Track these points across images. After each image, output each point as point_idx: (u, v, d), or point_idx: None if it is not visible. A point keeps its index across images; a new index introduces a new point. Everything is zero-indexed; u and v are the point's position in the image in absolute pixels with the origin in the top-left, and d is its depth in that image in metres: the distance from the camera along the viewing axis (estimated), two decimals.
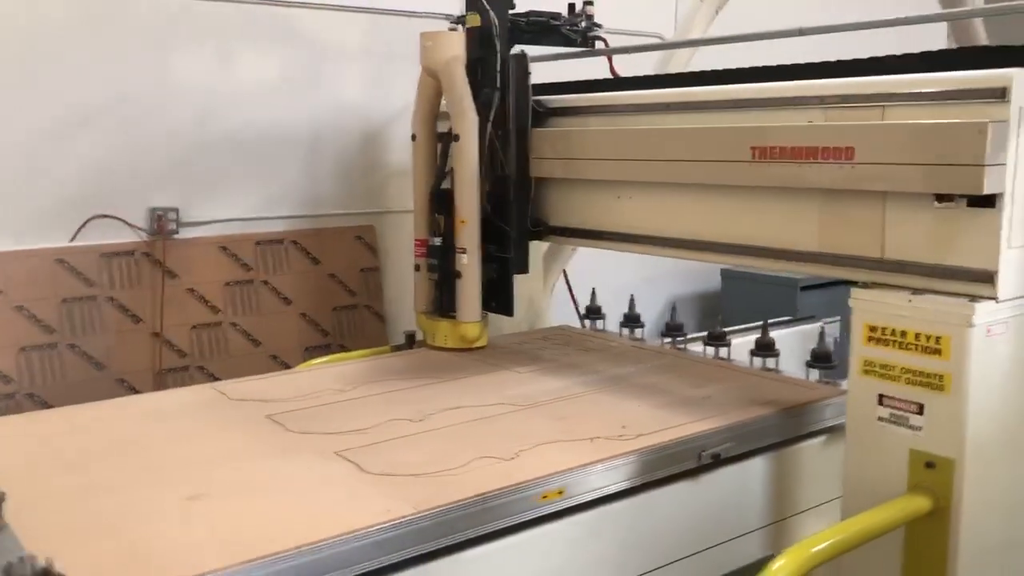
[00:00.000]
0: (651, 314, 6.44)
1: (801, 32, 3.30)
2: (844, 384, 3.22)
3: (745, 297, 6.21)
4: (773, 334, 3.92)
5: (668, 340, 3.85)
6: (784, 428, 2.96)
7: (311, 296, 4.73)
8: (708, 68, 3.30)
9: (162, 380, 4.23)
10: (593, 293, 4.29)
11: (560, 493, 2.36)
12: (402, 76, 5.00)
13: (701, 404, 3.01)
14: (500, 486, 2.27)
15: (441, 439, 2.67)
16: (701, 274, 6.64)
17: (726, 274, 6.49)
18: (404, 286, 5.08)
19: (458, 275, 3.65)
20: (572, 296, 5.38)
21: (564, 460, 2.45)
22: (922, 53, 2.64)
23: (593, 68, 4.34)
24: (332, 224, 4.84)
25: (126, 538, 2.04)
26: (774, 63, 3.11)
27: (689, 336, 3.89)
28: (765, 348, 3.50)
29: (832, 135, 2.63)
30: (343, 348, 4.80)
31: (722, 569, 2.83)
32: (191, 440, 2.70)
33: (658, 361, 3.59)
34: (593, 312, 4.22)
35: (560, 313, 4.76)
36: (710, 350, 3.67)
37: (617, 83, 3.76)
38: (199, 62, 4.38)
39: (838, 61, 2.83)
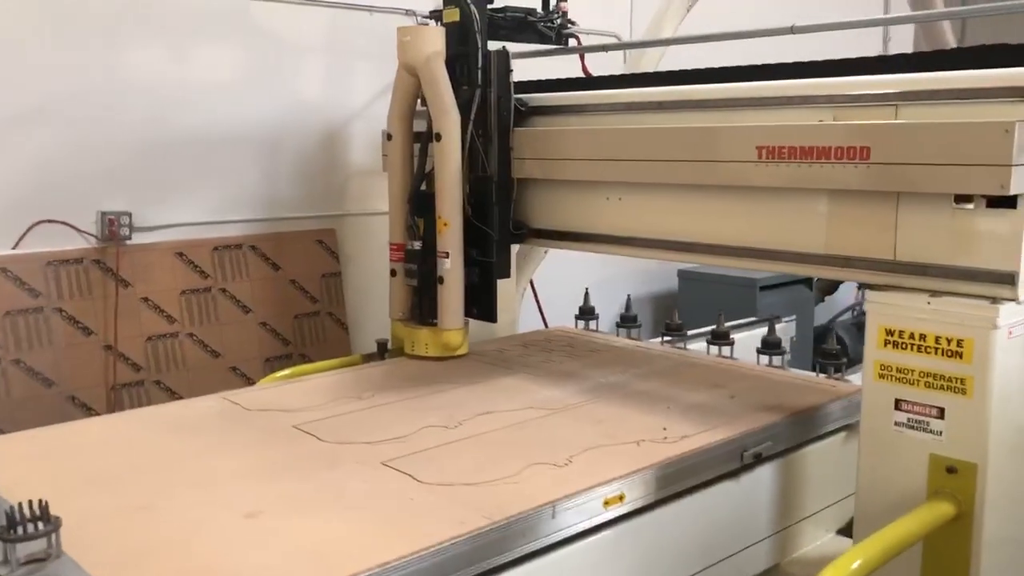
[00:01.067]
0: (609, 314, 6.40)
1: (793, 30, 3.25)
2: (851, 379, 3.29)
3: (703, 297, 6.20)
4: (741, 335, 3.99)
5: (668, 339, 3.82)
6: (811, 426, 2.98)
7: (271, 304, 4.51)
8: (677, 68, 3.24)
9: (117, 396, 3.95)
10: (587, 294, 4.23)
11: (621, 498, 2.32)
12: (362, 73, 4.85)
13: (730, 405, 2.99)
14: (564, 493, 2.22)
15: (484, 446, 2.61)
16: (658, 275, 6.62)
17: (683, 274, 6.47)
18: (367, 292, 4.91)
19: (440, 280, 3.49)
20: (537, 300, 5.28)
21: (617, 464, 2.42)
22: (932, 52, 2.60)
23: (560, 67, 4.25)
24: (292, 228, 4.63)
25: (195, 562, 1.92)
26: (732, 63, 3.07)
27: (690, 334, 3.89)
28: (772, 346, 3.52)
29: (847, 134, 2.57)
30: (304, 358, 4.59)
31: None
32: (226, 453, 2.55)
33: (668, 362, 3.56)
34: (587, 313, 4.17)
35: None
36: (713, 349, 3.67)
37: (602, 81, 3.65)
38: (152, 57, 4.12)
39: (843, 60, 2.78)
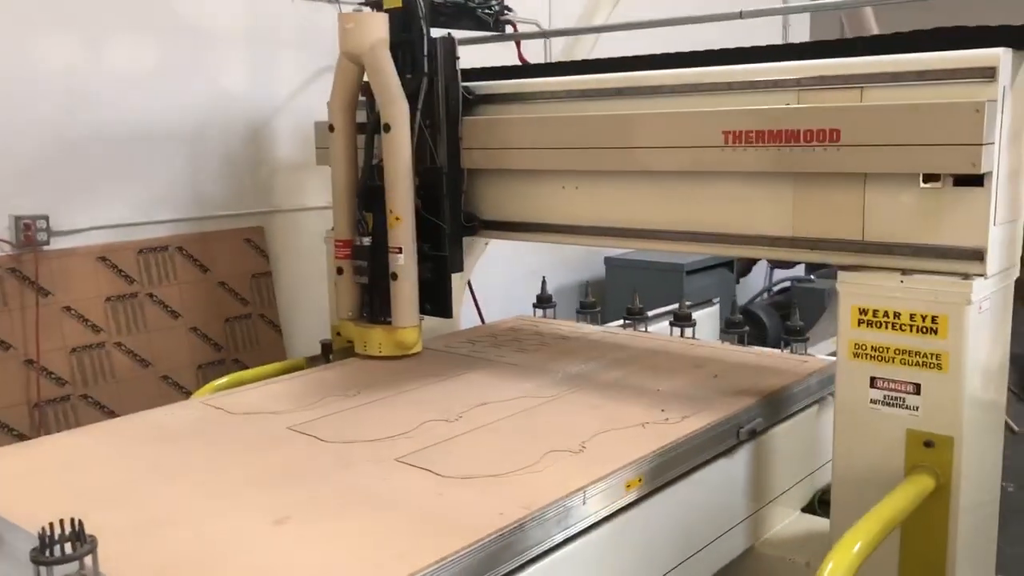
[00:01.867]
0: None
1: (741, 15, 3.27)
2: (813, 353, 3.50)
3: (630, 283, 6.23)
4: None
5: (629, 323, 3.93)
6: (793, 401, 3.07)
7: (201, 308, 4.28)
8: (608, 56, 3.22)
9: (41, 414, 3.67)
10: (544, 282, 4.26)
11: (640, 481, 2.35)
12: (286, 63, 4.65)
13: (715, 384, 3.05)
14: (591, 478, 2.22)
15: (493, 436, 2.60)
16: (584, 262, 6.62)
17: (609, 261, 6.50)
18: (298, 291, 4.73)
19: (393, 277, 3.36)
20: (473, 295, 5.19)
21: (631, 447, 2.44)
22: (893, 35, 2.64)
23: (493, 55, 4.16)
24: (219, 227, 4.40)
25: (241, 573, 1.86)
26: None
27: (651, 315, 4.06)
28: (735, 325, 3.66)
29: (816, 117, 2.58)
30: (238, 363, 4.38)
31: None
32: (230, 460, 2.46)
33: (641, 345, 3.62)
34: (545, 301, 4.22)
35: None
36: (676, 331, 3.79)
37: (552, 69, 3.58)
38: (64, 48, 3.82)
39: (801, 44, 2.82)
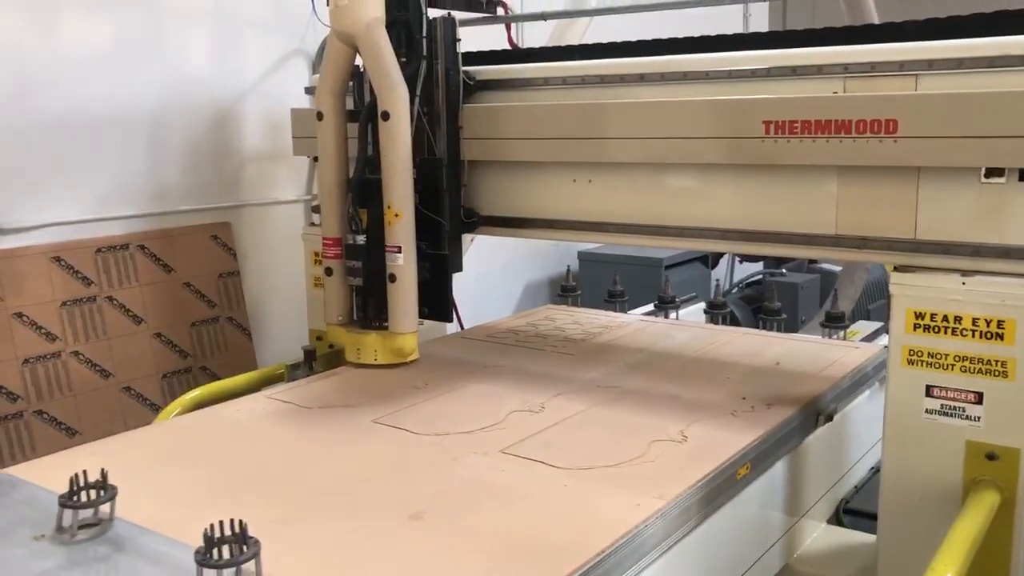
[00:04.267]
0: (511, 300, 6.15)
1: None
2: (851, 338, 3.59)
3: (606, 278, 6.03)
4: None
5: (660, 311, 4.05)
6: (857, 385, 3.10)
7: (165, 311, 3.92)
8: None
9: None
10: (568, 271, 4.34)
11: (747, 468, 2.36)
12: (253, 45, 4.31)
13: (782, 372, 3.07)
14: (711, 467, 2.22)
15: (588, 427, 2.58)
16: (555, 257, 6.41)
17: (584, 256, 6.29)
18: (268, 292, 4.41)
19: (391, 278, 3.08)
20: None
21: (732, 436, 2.44)
22: (948, 19, 2.46)
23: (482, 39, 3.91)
24: (183, 222, 4.05)
25: (405, 571, 1.80)
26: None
27: (680, 300, 4.19)
28: (772, 312, 3.75)
29: (870, 106, 2.39)
30: (206, 371, 4.05)
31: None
32: (329, 454, 2.40)
33: (685, 333, 3.64)
34: (569, 290, 4.27)
35: None
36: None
37: (560, 52, 3.31)
38: (9, 23, 3.43)
39: (845, 27, 2.62)
